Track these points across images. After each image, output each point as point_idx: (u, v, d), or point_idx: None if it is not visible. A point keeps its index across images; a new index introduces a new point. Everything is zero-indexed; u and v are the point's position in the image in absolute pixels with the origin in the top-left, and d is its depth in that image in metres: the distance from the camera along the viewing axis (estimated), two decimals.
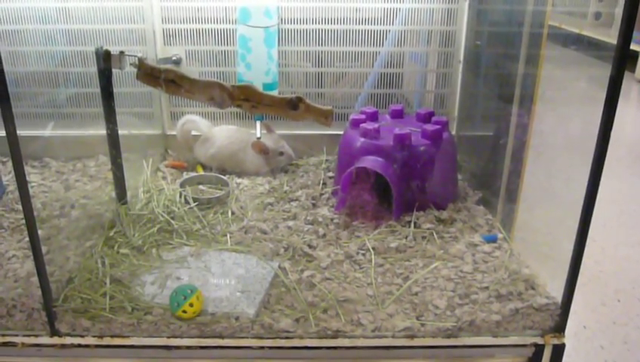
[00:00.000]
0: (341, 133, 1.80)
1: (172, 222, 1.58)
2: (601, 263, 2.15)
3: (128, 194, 1.64)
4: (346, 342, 1.24)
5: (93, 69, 1.46)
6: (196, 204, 1.68)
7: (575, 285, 1.24)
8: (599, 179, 1.13)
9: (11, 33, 1.85)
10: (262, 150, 1.87)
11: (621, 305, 1.93)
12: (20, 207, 1.15)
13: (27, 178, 1.74)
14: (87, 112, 1.96)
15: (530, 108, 1.50)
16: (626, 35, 1.05)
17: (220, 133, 1.92)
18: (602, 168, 1.12)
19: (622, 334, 1.79)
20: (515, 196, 1.58)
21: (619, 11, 1.04)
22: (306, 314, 1.27)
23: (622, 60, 1.06)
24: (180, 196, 1.71)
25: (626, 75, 1.10)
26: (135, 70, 1.39)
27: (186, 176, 1.87)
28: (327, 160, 2.02)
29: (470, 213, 1.68)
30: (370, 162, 1.62)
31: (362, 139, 1.67)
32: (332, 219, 1.63)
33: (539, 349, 1.28)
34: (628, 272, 2.11)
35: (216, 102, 1.38)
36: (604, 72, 1.09)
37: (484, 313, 1.28)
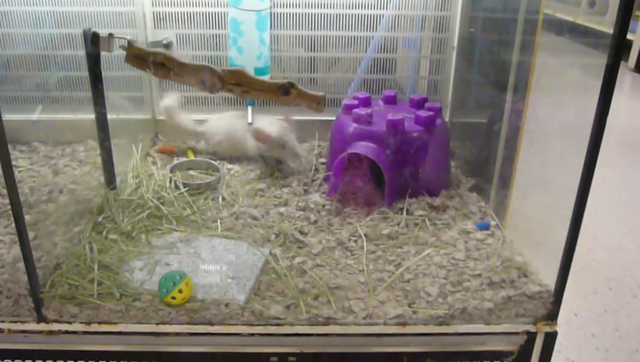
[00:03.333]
0: (333, 118, 1.78)
1: (162, 207, 1.56)
2: (593, 251, 2.15)
3: (117, 179, 1.62)
4: (337, 329, 1.24)
5: (82, 52, 1.43)
6: (186, 189, 1.66)
7: (568, 273, 1.23)
8: (594, 167, 1.13)
9: None
10: (261, 138, 1.79)
11: (612, 292, 1.93)
12: (6, 191, 1.13)
13: (15, 162, 1.72)
14: (76, 96, 1.93)
15: (524, 95, 1.49)
16: (622, 23, 1.03)
17: (220, 121, 1.89)
18: (597, 155, 1.11)
19: (613, 322, 1.79)
20: (508, 183, 1.57)
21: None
22: (296, 301, 1.26)
23: (618, 48, 1.05)
24: (170, 181, 1.69)
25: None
26: (124, 53, 1.36)
27: (176, 161, 1.85)
28: (319, 145, 2.00)
29: (463, 200, 1.68)
30: (363, 148, 1.60)
31: (355, 125, 1.65)
32: (324, 206, 1.62)
33: (531, 337, 1.28)
34: (619, 260, 2.12)
35: (207, 87, 1.36)
36: (598, 60, 1.08)
37: (476, 300, 1.27)
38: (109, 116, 1.51)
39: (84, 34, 1.40)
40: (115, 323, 1.23)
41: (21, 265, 1.22)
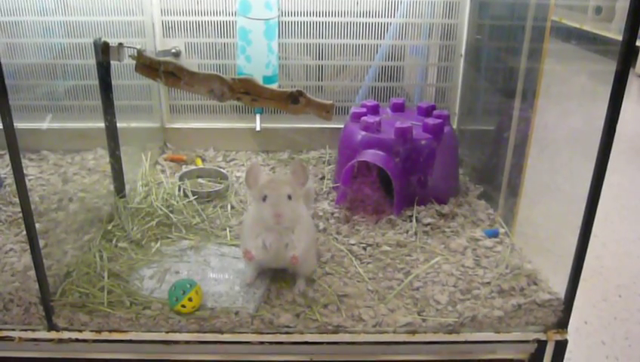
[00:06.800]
0: (342, 126, 1.78)
1: (171, 215, 1.56)
2: (602, 258, 2.14)
3: (127, 187, 1.62)
4: (346, 338, 1.23)
5: (92, 61, 1.44)
6: (195, 197, 1.66)
7: (578, 280, 1.23)
8: (604, 174, 1.12)
9: (9, 25, 1.83)
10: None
11: (622, 300, 1.92)
12: (17, 200, 1.13)
13: (25, 171, 1.73)
14: (86, 105, 1.94)
15: (532, 102, 1.48)
16: (632, 29, 1.03)
17: None
18: (607, 162, 1.11)
19: (623, 329, 1.78)
20: (516, 190, 1.57)
21: (619, 6, 1.03)
22: (306, 309, 1.26)
23: (627, 55, 1.05)
24: (179, 189, 1.70)
25: None
26: (134, 62, 1.37)
27: (185, 169, 1.86)
28: (328, 153, 2.00)
29: (471, 208, 1.67)
30: (371, 156, 1.60)
31: (363, 133, 1.66)
32: (332, 213, 1.62)
33: (541, 345, 1.28)
34: (629, 267, 2.11)
35: (216, 95, 1.36)
36: (605, 66, 1.08)
37: (486, 308, 1.27)
38: (118, 125, 1.52)
39: (95, 43, 1.41)
40: (126, 332, 1.23)
41: (32, 273, 1.23)
